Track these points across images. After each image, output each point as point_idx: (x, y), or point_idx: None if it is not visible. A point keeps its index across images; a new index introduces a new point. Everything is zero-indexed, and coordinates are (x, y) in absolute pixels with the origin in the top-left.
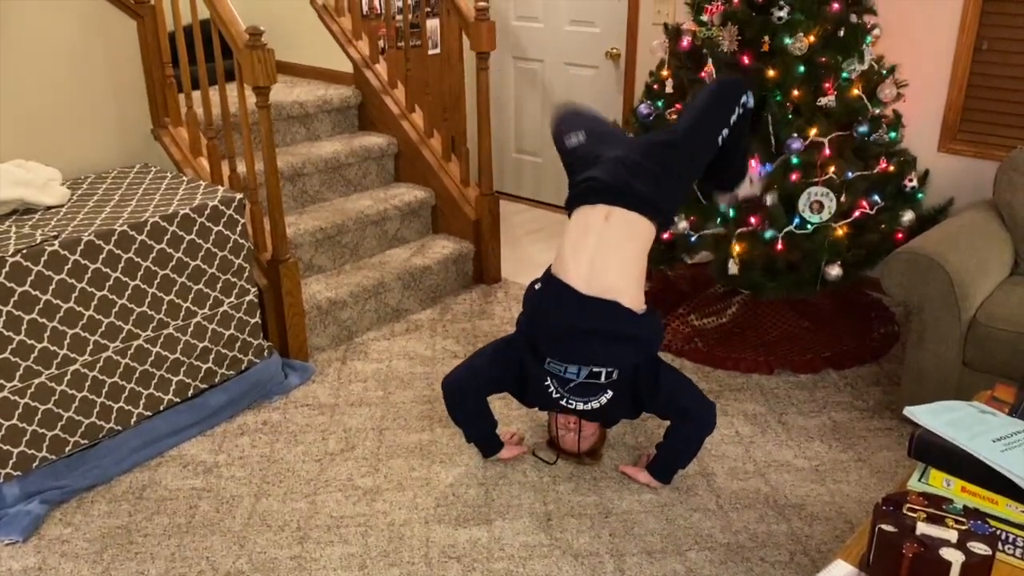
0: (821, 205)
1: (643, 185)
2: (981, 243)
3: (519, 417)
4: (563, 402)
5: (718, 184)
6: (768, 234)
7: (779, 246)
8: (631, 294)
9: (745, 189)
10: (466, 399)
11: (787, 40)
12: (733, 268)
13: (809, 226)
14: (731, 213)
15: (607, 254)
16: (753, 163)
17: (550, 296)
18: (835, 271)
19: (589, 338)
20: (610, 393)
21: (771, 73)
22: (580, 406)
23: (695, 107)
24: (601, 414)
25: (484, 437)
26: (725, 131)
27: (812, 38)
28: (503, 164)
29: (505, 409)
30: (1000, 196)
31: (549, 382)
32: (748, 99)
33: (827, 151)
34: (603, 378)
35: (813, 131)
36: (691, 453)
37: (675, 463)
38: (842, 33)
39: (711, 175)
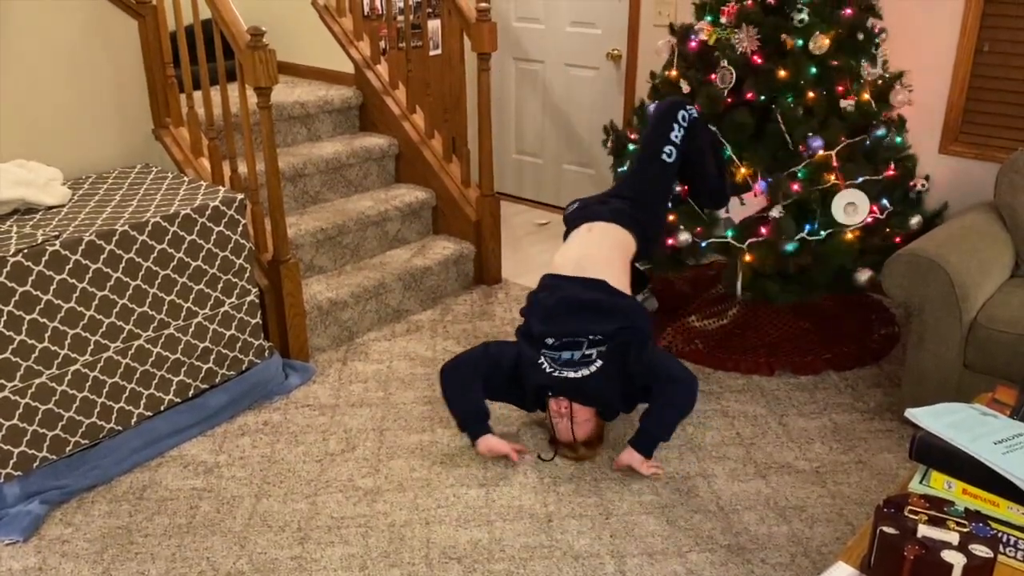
0: (855, 207)
1: (617, 204)
2: (982, 245)
3: (520, 418)
4: (555, 374)
5: (704, 203)
6: (790, 247)
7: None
8: (615, 282)
9: (737, 211)
10: (455, 377)
11: (800, 42)
12: (740, 288)
13: (823, 233)
14: (729, 233)
15: (591, 253)
16: (757, 185)
17: (545, 286)
18: (864, 276)
19: (579, 310)
20: (600, 363)
21: (782, 73)
22: (571, 374)
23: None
24: (591, 393)
25: (470, 415)
26: (669, 148)
27: (827, 40)
28: (504, 165)
29: (504, 409)
30: (1001, 198)
31: (543, 360)
32: (687, 112)
33: (834, 159)
34: (595, 356)
35: (822, 152)
36: (672, 423)
37: (656, 434)
38: (861, 37)
39: (695, 194)
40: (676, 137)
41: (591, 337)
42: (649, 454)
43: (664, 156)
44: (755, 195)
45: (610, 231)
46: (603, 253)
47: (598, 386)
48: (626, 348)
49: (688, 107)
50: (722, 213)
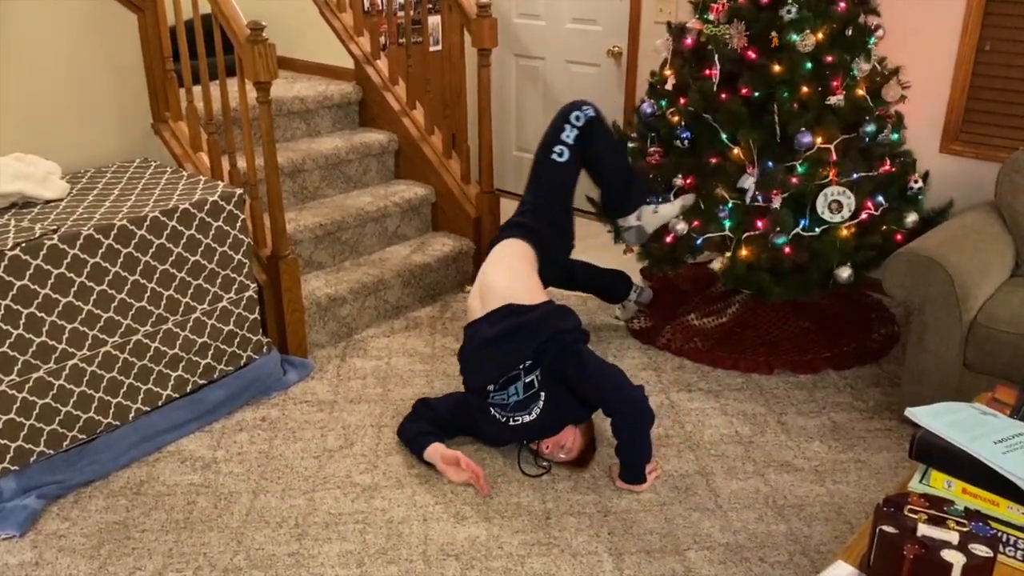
0: (840, 204)
1: (517, 218)
2: (982, 244)
3: None
4: (510, 423)
5: (607, 211)
6: (780, 240)
7: (787, 249)
8: (522, 294)
9: (650, 218)
10: (401, 429)
11: (794, 37)
12: (722, 266)
13: (817, 229)
14: (727, 224)
15: (488, 280)
16: (751, 168)
17: (465, 339)
18: (846, 273)
19: (495, 344)
20: (544, 394)
21: (777, 68)
22: (526, 419)
23: None
24: (553, 425)
25: (414, 440)
26: (559, 147)
27: (820, 36)
28: (504, 162)
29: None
30: (1002, 198)
31: (493, 411)
32: (582, 113)
33: (833, 154)
34: (536, 385)
35: (819, 139)
36: (643, 447)
37: (637, 462)
38: (849, 32)
39: (605, 201)
40: (568, 137)
41: (522, 366)
42: (643, 479)
43: (555, 155)
44: (749, 172)
45: (505, 248)
46: (499, 273)
47: (553, 420)
48: (560, 359)
49: (584, 107)
50: (632, 220)
